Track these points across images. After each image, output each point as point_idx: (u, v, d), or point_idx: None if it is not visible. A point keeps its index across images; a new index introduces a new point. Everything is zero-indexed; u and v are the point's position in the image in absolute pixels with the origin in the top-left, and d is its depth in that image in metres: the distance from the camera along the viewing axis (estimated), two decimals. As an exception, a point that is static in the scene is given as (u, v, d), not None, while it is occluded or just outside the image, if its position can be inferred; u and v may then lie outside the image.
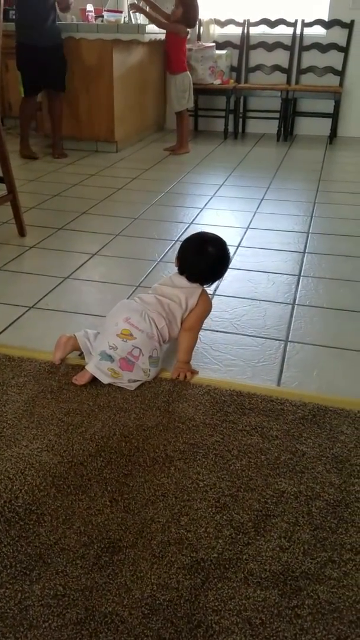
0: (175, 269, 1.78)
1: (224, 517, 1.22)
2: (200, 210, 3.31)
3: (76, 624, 0.99)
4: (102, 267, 2.51)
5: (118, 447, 1.42)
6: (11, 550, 1.13)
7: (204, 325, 1.87)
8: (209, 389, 1.65)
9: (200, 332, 1.90)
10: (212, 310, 1.82)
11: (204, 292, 1.76)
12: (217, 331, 1.99)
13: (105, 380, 1.64)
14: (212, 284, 1.81)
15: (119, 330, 1.64)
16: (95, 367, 1.64)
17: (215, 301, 2.19)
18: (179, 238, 2.82)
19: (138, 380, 1.65)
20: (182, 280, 1.74)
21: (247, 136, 5.63)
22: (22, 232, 2.82)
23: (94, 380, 1.64)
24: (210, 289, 2.24)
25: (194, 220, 3.13)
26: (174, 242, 2.78)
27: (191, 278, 1.74)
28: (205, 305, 1.76)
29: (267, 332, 1.99)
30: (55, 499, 1.26)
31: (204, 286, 1.77)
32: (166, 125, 5.88)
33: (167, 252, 2.65)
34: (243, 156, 4.76)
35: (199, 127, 5.82)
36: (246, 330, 2.00)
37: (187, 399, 1.61)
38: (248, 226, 3.04)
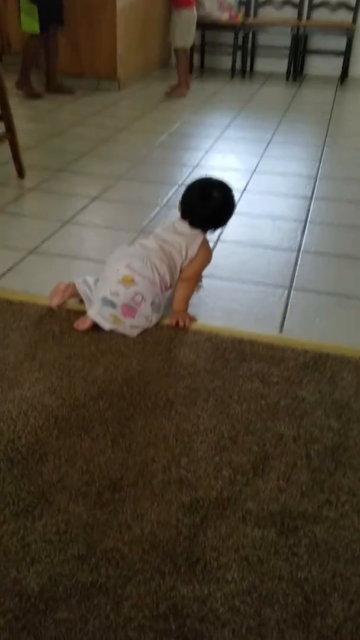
0: (179, 215, 1.74)
1: (224, 458, 1.24)
2: (206, 153, 3.21)
3: (77, 559, 1.02)
4: (103, 212, 2.47)
5: (120, 391, 1.43)
6: (14, 489, 1.16)
7: (206, 272, 1.86)
8: (210, 336, 1.65)
9: (203, 280, 1.89)
10: (214, 257, 1.80)
11: (204, 242, 1.72)
12: (220, 278, 1.97)
13: (106, 326, 1.63)
14: (214, 231, 1.77)
15: (120, 276, 1.61)
16: (96, 314, 1.62)
17: (218, 248, 2.16)
18: (182, 182, 2.75)
19: (139, 327, 1.65)
20: (184, 226, 1.70)
21: (255, 75, 5.41)
22: (21, 174, 2.75)
23: (95, 326, 1.64)
24: (213, 236, 2.19)
25: (198, 163, 3.04)
26: (177, 186, 2.71)
27: (193, 223, 1.69)
28: (205, 256, 1.73)
29: (271, 279, 1.97)
30: (58, 440, 1.28)
31: (206, 233, 1.73)
32: (171, 62, 5.65)
33: (170, 196, 2.59)
34: (251, 96, 4.59)
35: (205, 65, 5.59)
36: (249, 277, 1.98)
37: (189, 346, 1.60)
38: (254, 170, 2.96)
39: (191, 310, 1.74)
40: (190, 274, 1.71)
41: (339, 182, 2.83)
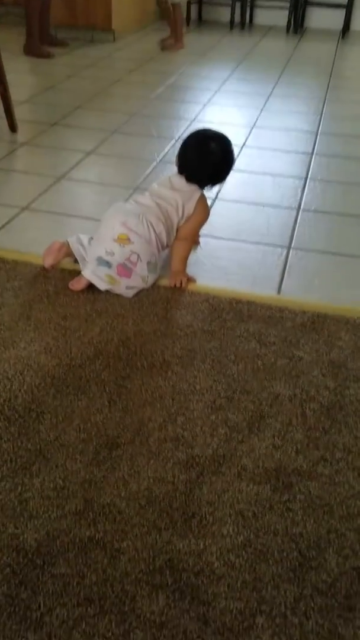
0: (176, 169, 1.69)
1: (219, 417, 1.25)
2: (204, 106, 3.12)
3: (75, 514, 1.03)
4: (97, 167, 2.41)
5: (116, 352, 1.42)
6: (11, 446, 1.16)
7: (204, 232, 1.82)
8: (207, 297, 1.63)
9: (201, 239, 1.86)
10: (211, 216, 1.76)
11: (202, 198, 1.67)
12: (218, 238, 1.94)
13: (102, 286, 1.60)
14: (212, 186, 1.72)
15: (115, 234, 1.57)
16: (91, 273, 1.59)
17: (216, 206, 2.11)
18: (179, 137, 2.67)
19: (135, 287, 1.62)
20: (181, 182, 1.65)
21: (254, 27, 5.22)
22: (13, 128, 2.67)
23: (90, 286, 1.61)
24: (211, 193, 2.15)
25: (196, 117, 2.95)
26: (174, 140, 2.63)
27: (190, 178, 1.64)
28: (202, 213, 1.68)
29: (270, 239, 1.94)
30: (55, 399, 1.27)
31: (204, 189, 1.68)
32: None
33: (167, 151, 2.53)
34: (250, 49, 4.43)
35: (203, 17, 5.38)
36: (248, 237, 1.95)
37: (186, 307, 1.59)
38: (254, 124, 2.89)
39: (189, 271, 1.72)
40: (187, 233, 1.67)
41: (340, 138, 2.76)
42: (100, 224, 1.65)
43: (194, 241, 1.77)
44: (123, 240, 1.56)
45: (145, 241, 1.58)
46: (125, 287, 1.60)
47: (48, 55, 3.91)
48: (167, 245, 1.69)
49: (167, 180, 1.69)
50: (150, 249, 1.60)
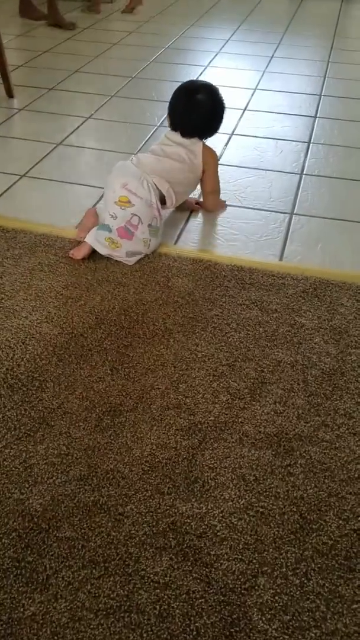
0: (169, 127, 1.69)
1: (221, 384, 1.25)
2: (204, 69, 3.04)
3: (79, 479, 1.05)
4: (96, 132, 2.36)
5: (118, 320, 1.41)
6: (15, 414, 1.17)
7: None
8: (209, 264, 1.61)
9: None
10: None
11: (204, 146, 1.69)
12: (219, 202, 1.91)
13: (102, 251, 1.58)
14: (209, 136, 1.72)
15: (116, 197, 1.56)
16: (93, 239, 1.58)
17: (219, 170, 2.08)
18: (180, 101, 2.61)
19: (137, 254, 1.60)
20: (177, 137, 1.65)
21: (257, -16, 5.03)
22: (10, 93, 2.61)
23: (91, 255, 1.60)
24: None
25: (197, 79, 2.88)
26: (174, 105, 2.57)
27: (185, 133, 1.64)
28: (212, 159, 1.72)
29: (272, 204, 1.91)
30: (57, 367, 1.28)
31: (202, 140, 1.69)
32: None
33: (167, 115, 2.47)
34: (252, 8, 4.29)
35: (204, -27, 5.18)
36: (250, 202, 1.92)
37: (187, 274, 1.58)
38: (256, 87, 2.81)
39: (188, 237, 1.70)
40: (212, 186, 1.75)
41: (344, 100, 2.69)
42: (105, 187, 1.63)
43: (219, 187, 1.80)
44: (124, 202, 1.54)
45: (146, 203, 1.55)
46: (126, 252, 1.58)
47: (43, 17, 3.77)
48: (176, 202, 1.67)
49: (164, 138, 1.69)
50: (152, 211, 1.58)
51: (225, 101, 1.71)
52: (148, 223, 1.58)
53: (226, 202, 1.87)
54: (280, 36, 3.62)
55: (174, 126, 1.66)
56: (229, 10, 4.24)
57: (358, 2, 4.56)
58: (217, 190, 1.79)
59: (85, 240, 1.59)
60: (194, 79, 1.73)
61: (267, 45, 3.43)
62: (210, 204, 1.82)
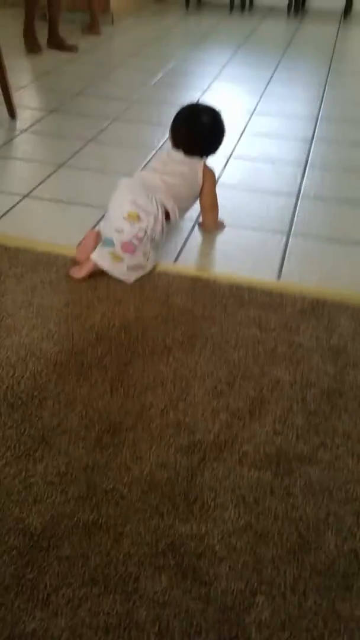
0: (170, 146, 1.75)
1: (221, 403, 1.26)
2: (203, 93, 3.10)
3: (78, 499, 1.05)
4: (98, 155, 2.40)
5: (117, 337, 1.43)
6: (15, 432, 1.17)
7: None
8: (208, 282, 1.63)
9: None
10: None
11: (205, 166, 1.76)
12: (218, 222, 1.94)
13: (105, 265, 1.59)
14: (210, 155, 1.80)
15: (125, 212, 1.58)
16: (97, 255, 1.59)
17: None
18: (179, 123, 2.66)
19: (137, 269, 1.62)
20: (180, 155, 1.72)
21: (255, 9, 5.15)
22: (12, 114, 2.65)
23: (91, 274, 1.62)
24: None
25: (196, 102, 2.93)
26: (174, 127, 2.62)
27: (187, 151, 1.71)
28: (211, 177, 1.78)
29: (270, 225, 1.94)
30: (57, 385, 1.29)
31: (202, 159, 1.75)
32: (167, -5, 5.37)
33: (167, 138, 2.51)
34: (250, 32, 4.38)
35: (203, -2, 5.31)
36: (248, 223, 1.95)
37: (186, 292, 1.59)
38: (254, 110, 2.87)
39: (187, 256, 1.72)
40: (210, 202, 1.81)
41: (340, 123, 2.75)
42: (110, 203, 1.65)
43: (217, 205, 1.85)
44: (133, 217, 1.57)
45: (153, 219, 1.59)
46: (127, 266, 1.59)
47: (37, 50, 3.62)
48: (179, 219, 1.72)
49: (165, 155, 1.74)
50: (157, 226, 1.61)
51: (225, 123, 1.76)
52: (152, 237, 1.61)
53: (224, 222, 1.91)
54: (278, 59, 3.70)
55: (177, 145, 1.73)
56: (228, 33, 4.33)
57: (355, 25, 4.67)
58: (215, 207, 1.84)
59: (91, 257, 1.60)
60: (196, 102, 1.79)
61: (266, 68, 3.50)
62: (209, 222, 1.86)
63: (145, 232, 1.58)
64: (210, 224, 1.87)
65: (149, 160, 2.33)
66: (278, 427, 1.21)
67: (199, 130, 1.71)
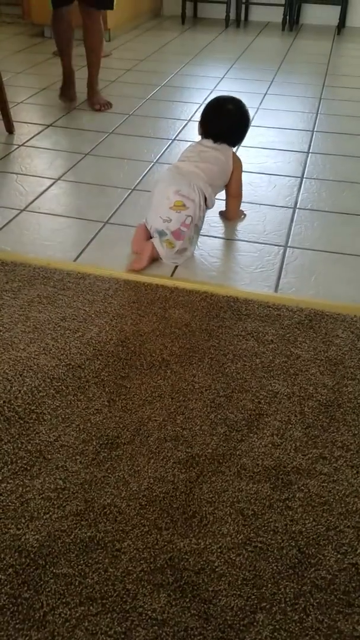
0: (200, 137, 1.90)
1: (219, 416, 1.25)
2: (199, 106, 3.12)
3: (76, 515, 1.04)
4: (95, 169, 2.41)
5: (115, 351, 1.42)
6: (12, 447, 1.16)
7: (201, 232, 1.89)
8: (205, 296, 1.63)
9: (199, 238, 1.87)
10: (208, 215, 1.92)
11: (234, 153, 1.91)
12: (215, 237, 1.94)
13: (161, 253, 1.74)
14: (238, 143, 1.98)
15: (171, 203, 1.71)
16: (158, 242, 1.74)
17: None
18: (176, 137, 2.68)
19: (182, 255, 1.76)
20: (210, 142, 1.85)
21: (250, 24, 5.22)
22: (9, 129, 2.67)
23: (88, 288, 1.62)
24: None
25: (192, 117, 2.96)
26: (170, 141, 2.64)
27: (217, 139, 1.85)
28: (240, 165, 1.92)
29: (266, 237, 1.94)
30: (54, 399, 1.28)
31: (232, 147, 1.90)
32: (162, 12, 5.44)
33: (163, 152, 2.53)
34: (246, 47, 4.43)
35: (198, 14, 5.38)
36: (245, 235, 1.95)
37: (184, 306, 1.59)
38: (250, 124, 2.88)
39: (186, 270, 1.73)
40: (236, 189, 1.94)
41: (336, 136, 2.77)
42: (154, 195, 1.78)
43: (242, 196, 2.00)
44: (179, 206, 1.71)
45: (197, 206, 1.74)
46: (177, 249, 1.75)
47: (69, 99, 3.04)
48: (212, 206, 1.85)
49: (198, 145, 1.88)
50: (199, 212, 1.77)
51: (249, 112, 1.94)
52: (195, 223, 1.76)
53: (245, 212, 2.05)
54: (273, 74, 3.73)
55: (206, 134, 1.87)
56: (223, 48, 4.38)
57: (349, 40, 4.72)
58: (241, 195, 1.98)
59: (152, 242, 1.73)
60: (221, 95, 2.00)
61: (261, 83, 3.53)
62: (234, 209, 1.99)
63: (191, 218, 1.72)
64: (235, 212, 1.99)
65: (146, 173, 2.34)
66: (276, 440, 1.20)
67: (227, 118, 1.86)
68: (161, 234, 1.73)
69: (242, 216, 2.03)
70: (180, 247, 1.74)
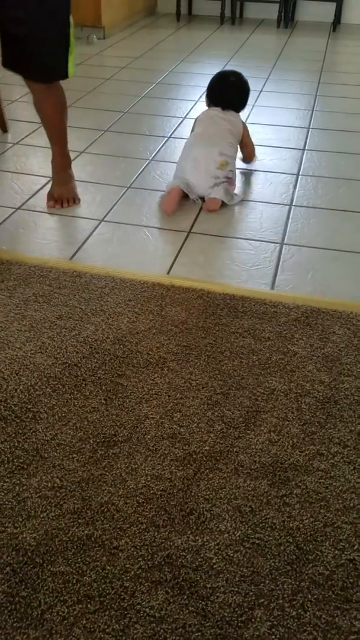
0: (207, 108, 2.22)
1: (216, 413, 1.25)
2: (195, 103, 3.12)
3: (73, 513, 1.04)
4: (90, 166, 2.40)
5: (112, 350, 1.42)
6: (8, 446, 1.16)
7: (198, 229, 1.91)
8: (202, 293, 1.63)
9: (195, 236, 1.88)
10: (203, 214, 2.05)
11: (240, 116, 2.24)
12: (211, 235, 1.94)
13: (225, 199, 2.04)
14: (241, 109, 2.25)
15: (217, 163, 2.02)
16: (223, 194, 2.04)
17: (209, 203, 2.12)
18: (171, 134, 2.67)
19: (234, 193, 2.10)
20: (217, 111, 2.15)
21: (245, 21, 5.21)
22: (4, 128, 2.66)
23: (84, 286, 1.61)
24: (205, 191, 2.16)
25: (187, 114, 2.95)
26: (166, 138, 2.63)
27: (225, 107, 2.16)
28: (246, 126, 2.25)
29: (263, 234, 1.94)
30: (51, 398, 1.28)
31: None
32: (157, 10, 5.42)
33: (158, 149, 2.52)
34: (241, 44, 4.43)
35: (193, 11, 5.36)
36: (241, 233, 1.95)
37: (180, 303, 1.59)
38: (245, 121, 2.87)
39: (182, 268, 1.72)
40: (250, 142, 2.32)
41: (331, 133, 2.76)
42: (190, 161, 2.05)
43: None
44: (223, 165, 2.05)
45: (234, 160, 2.12)
46: (233, 194, 2.09)
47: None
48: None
49: (209, 112, 2.17)
50: (235, 163, 2.14)
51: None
52: (234, 171, 2.12)
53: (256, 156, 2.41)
54: (269, 71, 3.73)
55: (214, 103, 2.18)
56: (218, 46, 4.37)
57: (344, 37, 4.72)
58: (252, 143, 2.34)
59: (214, 196, 2.02)
60: (224, 69, 2.33)
61: (256, 80, 3.53)
62: (253, 150, 2.35)
63: (233, 171, 2.10)
64: (253, 152, 2.36)
65: (142, 170, 2.34)
66: (273, 437, 1.20)
67: (231, 86, 2.19)
68: (214, 186, 2.03)
69: (256, 158, 2.40)
70: (231, 191, 2.08)
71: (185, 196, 2.05)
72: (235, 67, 3.82)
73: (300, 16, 5.23)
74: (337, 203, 2.14)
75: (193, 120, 2.29)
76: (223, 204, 2.06)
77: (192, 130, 2.22)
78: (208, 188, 2.03)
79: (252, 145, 2.34)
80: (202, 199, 2.08)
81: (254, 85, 3.42)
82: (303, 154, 2.54)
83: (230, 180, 2.09)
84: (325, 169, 2.40)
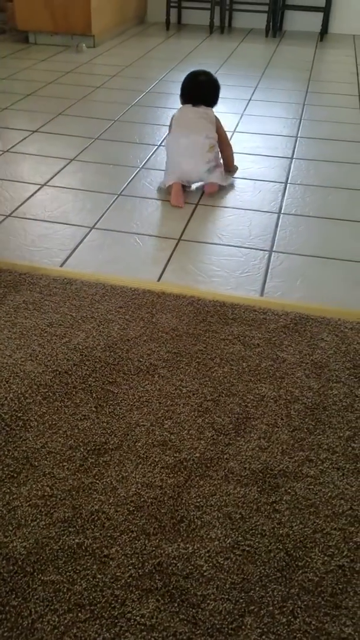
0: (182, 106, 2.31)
1: (206, 420, 1.26)
2: (184, 113, 3.13)
3: (64, 522, 1.04)
4: (80, 174, 2.41)
5: (102, 357, 1.42)
6: (-1, 455, 1.16)
7: (188, 237, 1.92)
8: (192, 300, 1.64)
9: (184, 243, 1.89)
10: (193, 221, 2.02)
11: (213, 110, 2.34)
12: (200, 242, 1.95)
13: (221, 181, 2.25)
14: (213, 105, 2.34)
15: (206, 147, 2.18)
16: (215, 179, 2.23)
17: (198, 210, 2.14)
18: (161, 143, 2.69)
19: (226, 178, 2.30)
20: (190, 107, 2.26)
21: (233, 31, 5.26)
22: (-6, 136, 2.66)
23: (75, 293, 1.62)
24: (193, 198, 2.17)
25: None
26: (156, 147, 2.65)
27: (197, 103, 2.28)
28: (218, 118, 2.32)
29: (252, 242, 1.96)
30: (41, 406, 1.28)
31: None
32: (147, 18, 5.46)
33: (148, 157, 2.54)
34: (230, 53, 4.47)
35: (182, 20, 5.41)
36: (230, 240, 1.97)
37: (171, 310, 1.60)
38: (234, 130, 2.91)
39: (174, 275, 1.73)
40: (225, 137, 2.36)
41: (319, 142, 2.80)
42: (179, 152, 2.18)
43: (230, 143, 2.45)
44: (212, 148, 2.22)
45: (217, 143, 2.26)
46: (225, 176, 2.30)
47: None
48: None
49: (185, 109, 2.28)
50: (217, 146, 2.28)
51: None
52: (218, 151, 2.28)
53: (237, 166, 2.45)
54: (257, 80, 3.77)
55: (187, 101, 2.30)
56: (207, 55, 4.40)
57: (331, 46, 4.78)
58: (230, 144, 2.41)
59: (218, 182, 2.23)
60: (195, 69, 2.40)
61: (245, 89, 3.56)
62: (229, 158, 2.39)
63: (218, 151, 2.26)
64: (232, 160, 2.41)
65: (132, 178, 2.35)
66: (263, 443, 1.21)
67: (202, 84, 2.32)
68: (209, 171, 2.19)
69: (236, 168, 2.43)
70: (222, 171, 2.27)
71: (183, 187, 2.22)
72: (225, 76, 3.87)
73: (288, 26, 5.29)
74: (325, 211, 2.17)
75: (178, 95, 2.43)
76: (220, 187, 2.27)
77: (170, 127, 2.31)
78: (204, 172, 2.20)
79: (228, 142, 2.41)
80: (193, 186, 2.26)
81: (242, 93, 3.46)
82: (291, 162, 2.57)
83: (219, 163, 2.28)
84: (313, 177, 2.42)
